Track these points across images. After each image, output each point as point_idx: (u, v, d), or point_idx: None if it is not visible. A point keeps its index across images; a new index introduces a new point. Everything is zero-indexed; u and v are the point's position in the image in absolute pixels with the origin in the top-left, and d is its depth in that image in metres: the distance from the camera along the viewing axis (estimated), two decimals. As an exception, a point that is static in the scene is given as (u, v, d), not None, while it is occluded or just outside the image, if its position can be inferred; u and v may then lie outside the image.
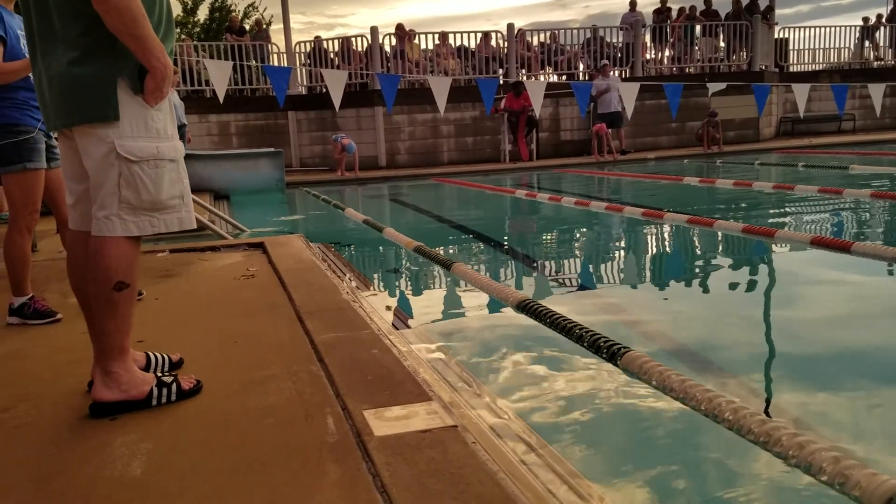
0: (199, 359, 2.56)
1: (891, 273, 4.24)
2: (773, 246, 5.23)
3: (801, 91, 10.34)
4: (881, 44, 18.55)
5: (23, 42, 3.15)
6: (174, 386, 2.19)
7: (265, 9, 32.41)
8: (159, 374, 2.24)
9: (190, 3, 31.29)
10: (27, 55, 3.04)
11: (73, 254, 2.27)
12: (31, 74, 3.02)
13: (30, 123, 3.23)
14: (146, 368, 2.38)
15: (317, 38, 15.60)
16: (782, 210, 7.40)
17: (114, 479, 1.72)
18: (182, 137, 10.65)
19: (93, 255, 2.06)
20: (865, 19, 18.42)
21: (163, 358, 2.46)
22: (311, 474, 1.69)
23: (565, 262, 5.57)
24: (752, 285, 4.53)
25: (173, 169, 2.11)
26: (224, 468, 1.75)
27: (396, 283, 4.97)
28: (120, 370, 2.11)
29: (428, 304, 4.31)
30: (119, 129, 2.00)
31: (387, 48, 15.16)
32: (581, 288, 4.54)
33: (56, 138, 2.53)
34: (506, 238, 6.88)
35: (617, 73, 15.65)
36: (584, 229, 7.05)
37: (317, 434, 1.90)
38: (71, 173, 2.22)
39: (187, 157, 2.39)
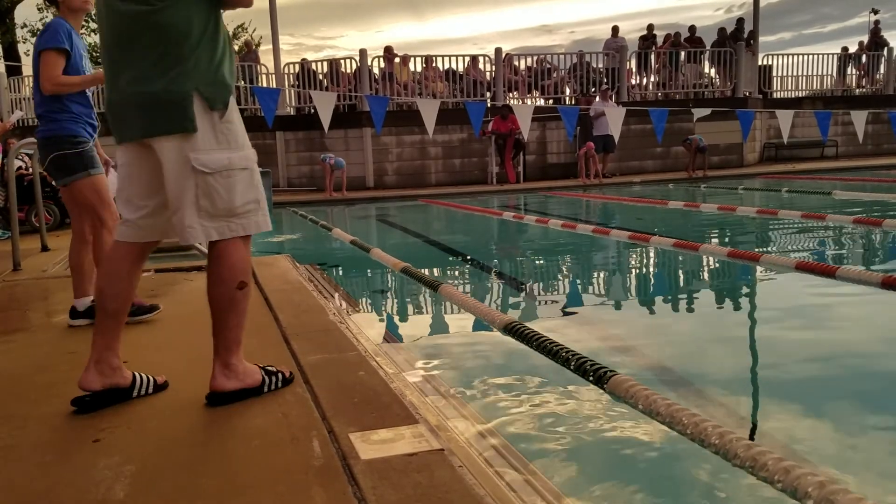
0: (184, 379, 2.55)
1: (875, 298, 4.28)
2: (759, 270, 5.27)
3: (784, 117, 10.48)
4: (863, 72, 18.85)
5: (85, 62, 3.40)
6: (279, 375, 2.43)
7: (254, 30, 32.45)
8: (261, 366, 2.42)
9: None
10: (88, 72, 3.37)
11: (114, 265, 2.36)
12: (88, 90, 3.38)
13: (85, 135, 3.42)
14: (131, 388, 2.38)
15: (303, 60, 15.67)
16: (767, 235, 7.47)
17: (97, 502, 1.70)
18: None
19: (215, 258, 2.26)
20: (845, 49, 18.74)
21: (149, 379, 2.45)
22: (297, 498, 1.68)
23: (552, 284, 5.59)
24: (737, 309, 4.56)
25: (246, 176, 2.26)
26: (209, 491, 1.73)
27: (383, 305, 4.96)
28: (237, 362, 2.30)
29: (415, 325, 4.31)
30: (194, 142, 2.16)
31: (375, 70, 15.25)
32: (568, 311, 4.55)
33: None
34: (493, 260, 6.90)
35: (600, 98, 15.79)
36: (571, 252, 7.08)
37: (303, 457, 1.89)
38: (140, 188, 2.33)
39: None
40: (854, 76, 18.85)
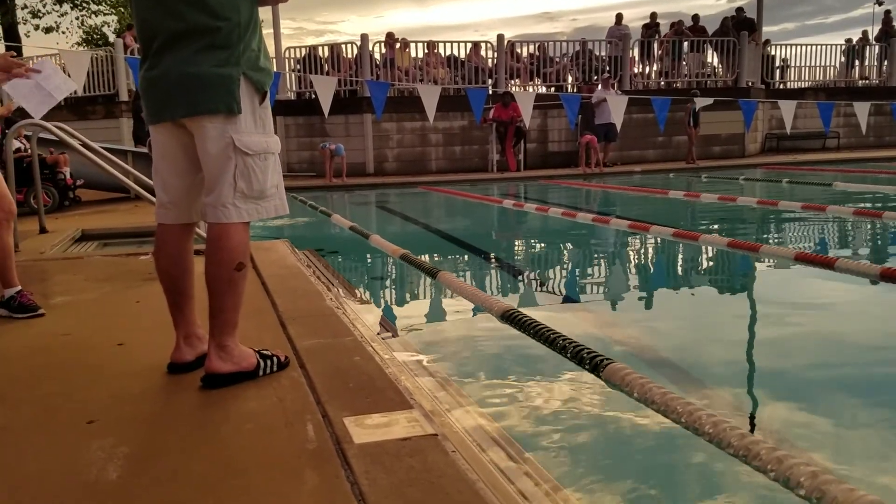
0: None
1: (873, 290, 4.28)
2: (758, 261, 5.26)
3: (787, 108, 10.45)
4: (868, 63, 18.71)
5: None
6: (275, 359, 2.43)
7: (256, 14, 32.26)
8: (256, 349, 2.41)
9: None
10: None
11: (168, 248, 2.42)
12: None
13: None
14: None
15: (311, 47, 15.60)
16: (767, 225, 7.45)
17: (89, 483, 1.70)
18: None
19: (215, 240, 2.27)
20: (849, 40, 18.63)
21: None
22: (289, 482, 1.67)
23: (550, 272, 5.58)
24: (736, 299, 4.55)
25: (275, 161, 2.35)
26: (202, 474, 1.73)
27: (381, 291, 4.96)
28: (232, 344, 2.30)
29: (412, 312, 4.30)
30: (237, 124, 2.22)
31: (376, 56, 15.18)
32: (566, 299, 4.54)
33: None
34: (492, 248, 6.89)
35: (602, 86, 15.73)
36: (570, 241, 7.07)
37: (296, 441, 1.89)
38: (174, 169, 2.36)
39: None
40: (858, 68, 18.72)
